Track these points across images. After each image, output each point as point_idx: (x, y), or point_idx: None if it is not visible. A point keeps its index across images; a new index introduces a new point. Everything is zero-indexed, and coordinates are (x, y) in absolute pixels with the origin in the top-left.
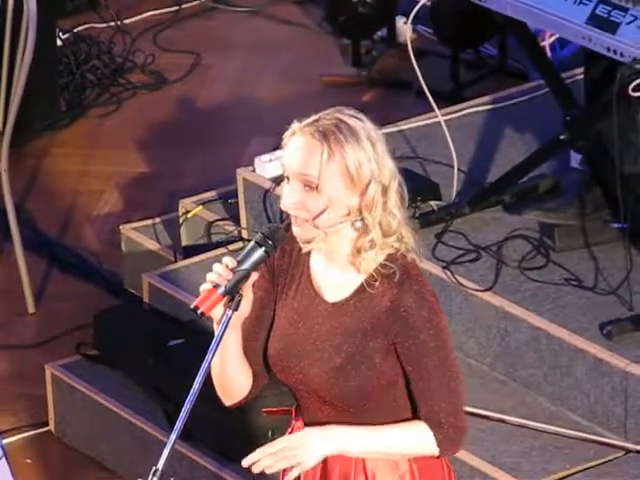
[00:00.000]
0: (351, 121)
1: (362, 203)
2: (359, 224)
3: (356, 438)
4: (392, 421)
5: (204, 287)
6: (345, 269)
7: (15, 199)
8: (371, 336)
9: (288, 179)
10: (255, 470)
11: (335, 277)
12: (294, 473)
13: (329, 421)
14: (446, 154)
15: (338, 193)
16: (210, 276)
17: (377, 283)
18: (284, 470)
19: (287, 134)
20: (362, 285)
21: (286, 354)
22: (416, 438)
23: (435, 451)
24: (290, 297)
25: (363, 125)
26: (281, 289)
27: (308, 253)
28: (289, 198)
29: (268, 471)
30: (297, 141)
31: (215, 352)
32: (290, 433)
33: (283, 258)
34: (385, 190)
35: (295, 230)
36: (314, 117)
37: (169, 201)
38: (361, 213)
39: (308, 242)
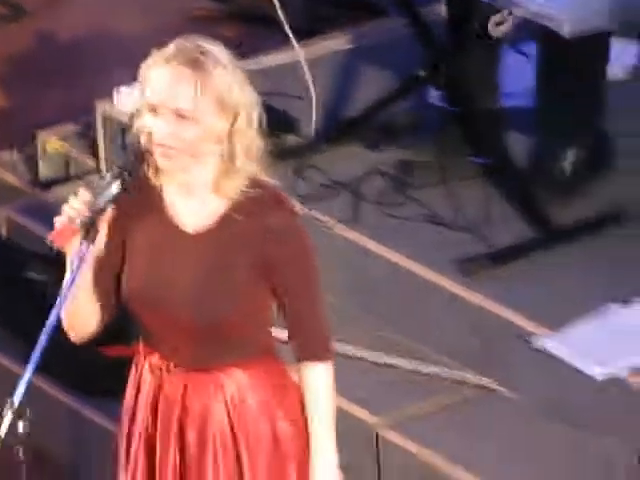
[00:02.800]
0: (212, 48)
1: (232, 129)
2: (225, 151)
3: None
4: (253, 351)
5: (59, 220)
6: (206, 198)
7: None
8: (238, 262)
9: (154, 111)
10: None
11: (195, 207)
12: None
13: (186, 350)
14: (305, 89)
15: (210, 120)
16: (66, 209)
17: (243, 208)
18: None
19: (147, 65)
20: (226, 211)
21: (147, 289)
22: (323, 383)
23: (330, 372)
24: (145, 232)
25: (224, 51)
26: (131, 226)
27: (160, 186)
28: (161, 130)
29: None
30: (163, 72)
31: (71, 286)
32: (135, 372)
33: (133, 190)
34: (249, 115)
35: (163, 163)
36: (171, 47)
37: (27, 134)
38: (230, 140)
39: (178, 171)
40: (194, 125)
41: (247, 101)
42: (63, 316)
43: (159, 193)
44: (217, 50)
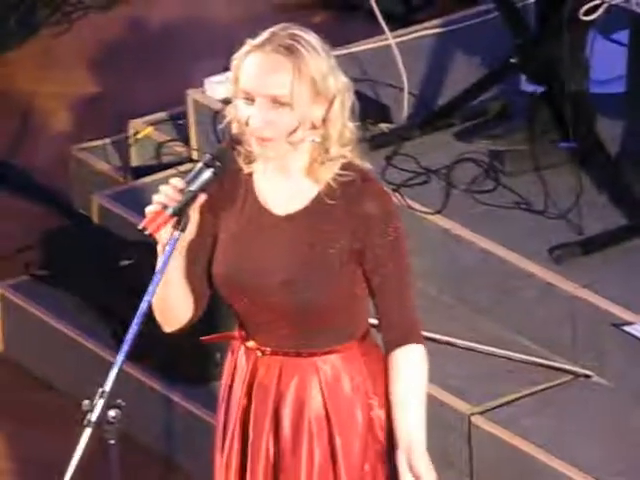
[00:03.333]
0: (305, 34)
1: (327, 115)
2: (320, 136)
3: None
4: (348, 336)
5: (151, 208)
6: (299, 181)
7: None
8: (330, 245)
9: (249, 99)
10: None
11: (287, 190)
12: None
13: (283, 335)
14: (397, 77)
15: (307, 107)
16: (158, 197)
17: (336, 192)
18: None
19: (240, 54)
20: (319, 195)
21: (236, 272)
22: (420, 369)
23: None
24: (234, 218)
25: (315, 37)
26: (222, 212)
27: (250, 173)
28: (257, 118)
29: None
30: (258, 59)
31: (162, 273)
32: (232, 357)
33: (223, 179)
34: (343, 101)
35: (259, 150)
36: (265, 35)
37: (119, 122)
38: (325, 125)
39: (274, 158)
40: (290, 112)
41: (340, 87)
42: (155, 307)
43: (249, 179)
44: (309, 37)
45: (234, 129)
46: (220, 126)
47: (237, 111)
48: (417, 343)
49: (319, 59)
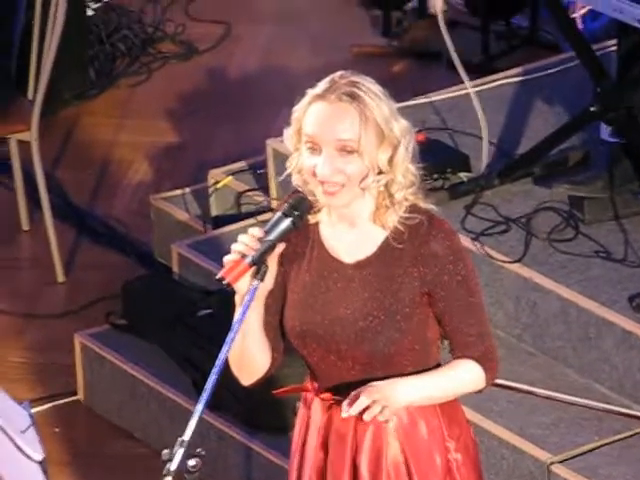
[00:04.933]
0: (364, 81)
1: (391, 160)
2: (384, 181)
3: (425, 385)
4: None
5: (229, 257)
6: (365, 228)
7: (45, 168)
8: (400, 288)
9: (315, 149)
10: (367, 418)
11: (353, 238)
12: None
13: (358, 384)
14: (476, 126)
15: (374, 153)
16: (236, 246)
17: (404, 235)
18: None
19: (302, 104)
20: (387, 240)
21: (309, 324)
22: (469, 374)
23: (482, 385)
24: (303, 269)
25: (374, 84)
26: (291, 264)
27: (315, 223)
28: (326, 167)
29: (380, 417)
30: (322, 108)
31: (241, 323)
32: (305, 408)
33: (291, 233)
34: (407, 145)
35: (328, 200)
36: (326, 84)
37: (199, 171)
38: (391, 170)
39: (342, 206)
40: (358, 158)
41: (404, 131)
42: (232, 360)
43: (315, 229)
44: (369, 83)
45: (295, 181)
46: (280, 179)
47: (302, 162)
48: (484, 368)
49: (381, 104)
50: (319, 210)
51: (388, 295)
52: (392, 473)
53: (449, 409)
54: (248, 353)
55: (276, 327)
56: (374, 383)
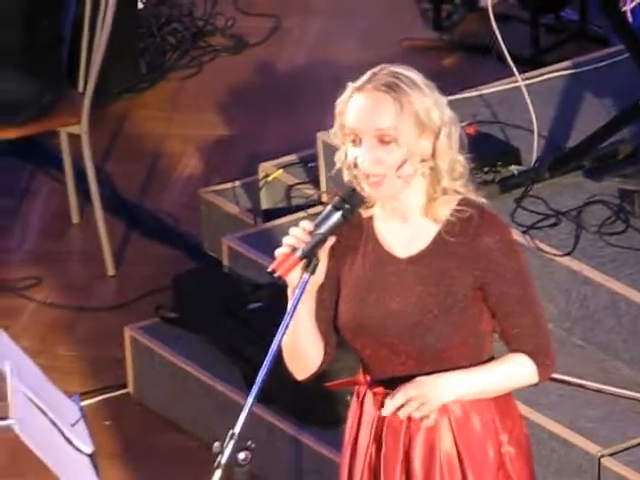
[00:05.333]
0: (406, 71)
1: (435, 149)
2: (429, 171)
3: (471, 380)
4: None
5: (280, 251)
6: (418, 222)
7: (95, 161)
8: (454, 283)
9: (356, 141)
10: (402, 415)
11: (406, 232)
12: (432, 419)
13: (411, 377)
14: (526, 119)
15: (413, 141)
16: (287, 239)
17: (456, 228)
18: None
19: (344, 97)
20: (439, 233)
21: (362, 318)
22: (521, 368)
23: (535, 379)
24: (357, 263)
25: (417, 74)
26: (344, 258)
27: (370, 218)
28: (367, 158)
29: (414, 415)
30: (361, 99)
31: (292, 315)
32: (358, 402)
33: (343, 226)
34: (450, 134)
35: (372, 191)
36: (366, 76)
37: (249, 164)
38: (434, 159)
39: (388, 197)
40: (397, 147)
41: (447, 120)
42: (285, 354)
43: (369, 223)
44: (410, 73)
45: (346, 176)
46: (330, 173)
47: (345, 155)
48: (538, 364)
49: (420, 93)
50: (373, 204)
51: (442, 290)
52: (445, 467)
53: (502, 402)
54: (300, 347)
55: (329, 321)
56: (417, 379)
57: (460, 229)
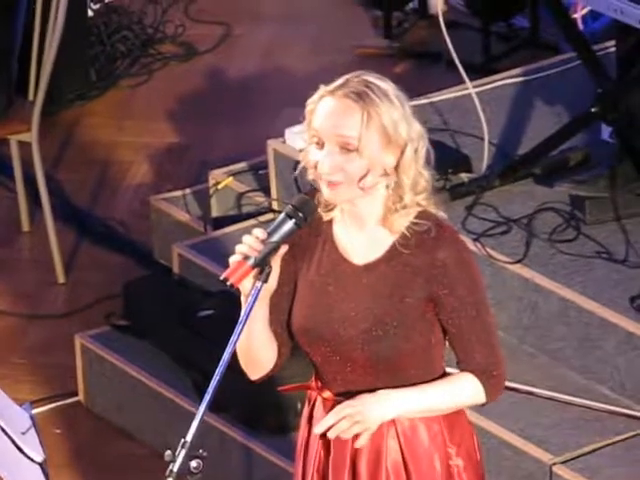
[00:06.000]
0: (379, 82)
1: (399, 163)
2: (392, 184)
3: (412, 399)
4: (426, 382)
5: (233, 259)
6: (375, 230)
7: (46, 169)
8: (406, 294)
9: (319, 144)
10: (331, 435)
11: (364, 239)
12: (363, 439)
13: (361, 386)
14: (477, 126)
15: (376, 153)
16: (240, 248)
17: (411, 241)
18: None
19: (314, 99)
20: (394, 244)
21: (315, 322)
22: (468, 387)
23: (482, 399)
24: (313, 267)
25: (391, 86)
26: (302, 260)
27: (330, 221)
28: (326, 162)
29: (344, 435)
30: (330, 104)
31: (244, 324)
32: (309, 407)
33: (302, 229)
34: (416, 150)
35: (329, 194)
36: (340, 81)
37: (199, 172)
38: (397, 173)
39: (346, 202)
40: (358, 158)
41: (414, 135)
42: (240, 356)
43: (328, 227)
44: (383, 84)
45: (310, 175)
46: (295, 173)
47: (309, 156)
48: (485, 385)
49: (390, 106)
50: (333, 207)
51: (394, 300)
52: (391, 475)
53: (451, 415)
54: (254, 350)
55: (283, 323)
56: (359, 396)
57: (415, 242)
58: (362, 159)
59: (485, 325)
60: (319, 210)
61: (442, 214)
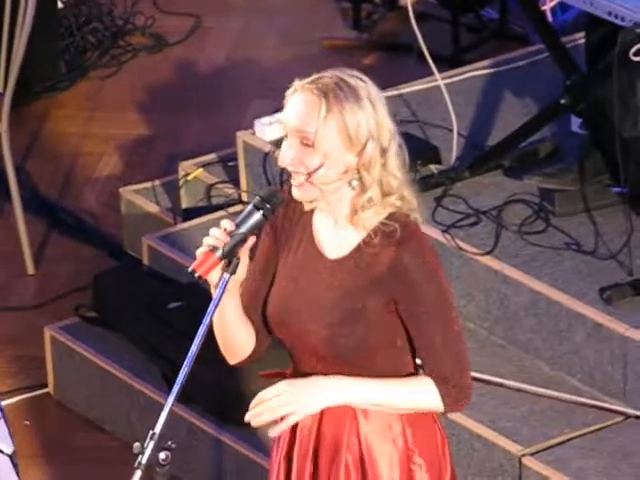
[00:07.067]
0: (352, 80)
1: (360, 162)
2: (356, 183)
3: (364, 389)
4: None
5: (201, 250)
6: (345, 227)
7: (15, 160)
8: (369, 294)
9: (286, 135)
10: (254, 424)
11: (336, 235)
12: (291, 420)
13: (327, 374)
14: (446, 118)
15: (335, 150)
16: (207, 239)
17: (376, 240)
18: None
19: (289, 92)
20: (360, 243)
21: (285, 310)
22: (423, 392)
23: (440, 407)
24: (292, 255)
25: (364, 85)
26: (283, 247)
27: (312, 211)
28: (286, 154)
29: (269, 416)
30: (297, 98)
31: (212, 315)
32: None
33: (286, 217)
34: (384, 150)
35: (295, 192)
36: (316, 76)
37: (169, 163)
38: (359, 172)
39: (310, 202)
40: (316, 153)
41: (381, 135)
42: (218, 342)
43: (309, 217)
44: (355, 82)
45: (278, 166)
46: (277, 167)
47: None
48: (442, 395)
49: (357, 105)
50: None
51: (357, 298)
52: (351, 467)
53: (415, 415)
54: (228, 336)
55: (261, 311)
56: (291, 380)
57: (380, 242)
58: (319, 155)
59: (448, 333)
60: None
61: (416, 216)
